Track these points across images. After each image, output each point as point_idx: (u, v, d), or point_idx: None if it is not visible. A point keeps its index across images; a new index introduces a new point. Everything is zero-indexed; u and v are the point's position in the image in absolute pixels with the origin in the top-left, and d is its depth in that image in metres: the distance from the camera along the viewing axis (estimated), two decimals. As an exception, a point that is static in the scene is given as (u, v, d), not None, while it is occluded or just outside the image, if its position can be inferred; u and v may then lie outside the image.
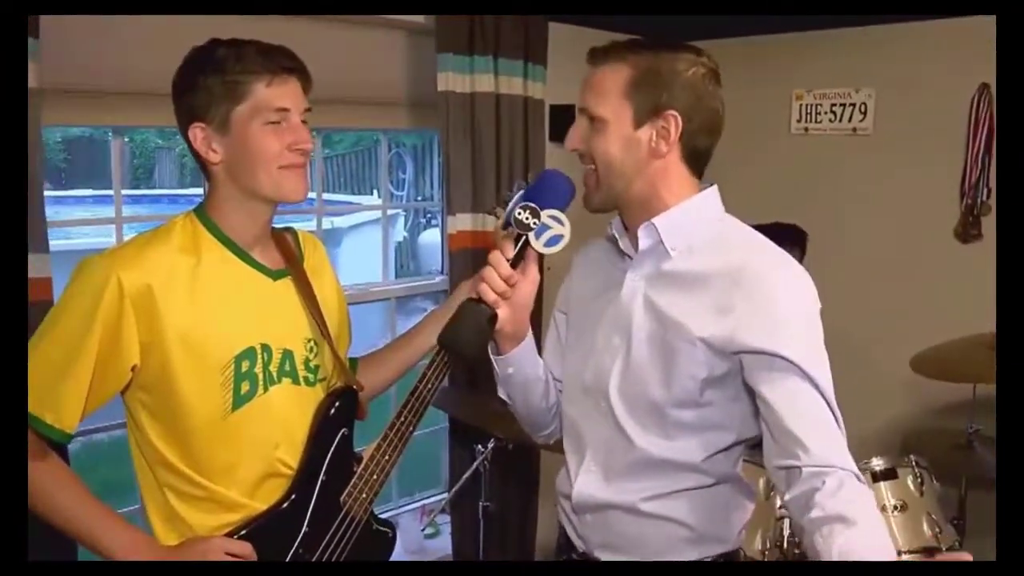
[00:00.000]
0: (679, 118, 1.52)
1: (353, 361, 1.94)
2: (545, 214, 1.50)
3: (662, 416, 1.55)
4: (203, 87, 1.55)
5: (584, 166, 1.60)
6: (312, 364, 1.71)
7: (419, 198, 8.53)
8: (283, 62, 1.57)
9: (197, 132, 1.57)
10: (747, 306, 1.46)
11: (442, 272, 3.55)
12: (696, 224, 1.57)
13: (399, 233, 8.82)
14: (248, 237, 1.65)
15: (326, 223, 3.42)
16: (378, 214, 4.47)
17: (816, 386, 1.42)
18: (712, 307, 1.49)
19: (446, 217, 3.18)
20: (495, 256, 1.54)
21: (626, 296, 1.62)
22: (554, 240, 1.51)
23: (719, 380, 1.52)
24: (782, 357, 1.43)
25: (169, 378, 1.54)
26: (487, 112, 3.12)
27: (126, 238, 2.58)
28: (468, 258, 3.13)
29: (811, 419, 1.42)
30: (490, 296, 1.54)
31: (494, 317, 1.55)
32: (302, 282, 1.73)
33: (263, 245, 1.69)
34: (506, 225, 1.54)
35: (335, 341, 1.79)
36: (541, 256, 1.56)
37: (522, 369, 1.69)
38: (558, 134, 3.38)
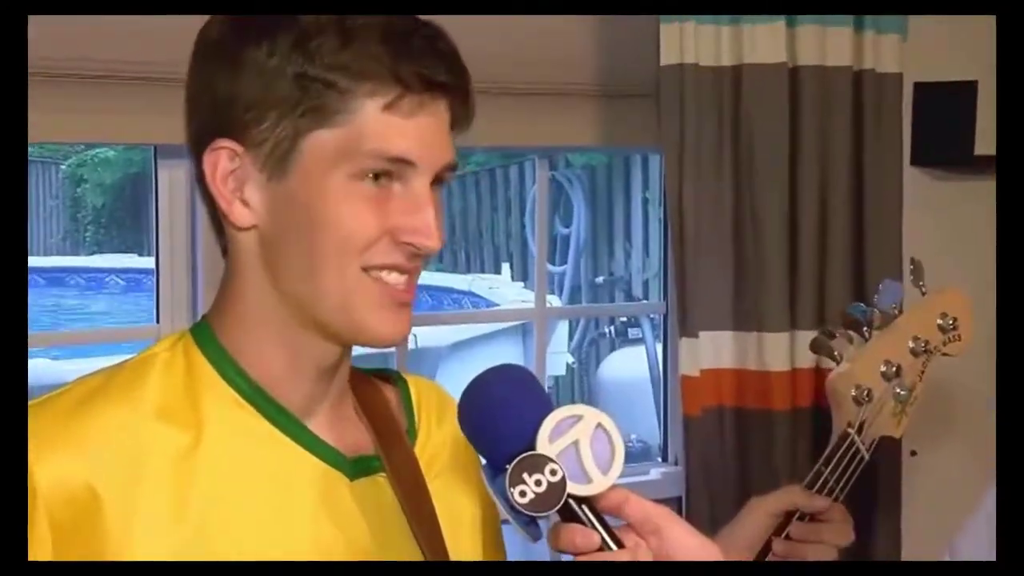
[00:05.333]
0: None
1: None
2: (543, 450, 0.69)
3: None
4: (255, 75, 0.77)
5: None
6: None
7: (599, 279, 4.34)
8: (431, 68, 0.77)
9: (221, 157, 0.79)
10: None
11: (663, 457, 1.92)
12: None
13: (559, 361, 4.34)
14: (300, 387, 0.84)
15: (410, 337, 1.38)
16: (514, 320, 2.60)
17: None
18: None
19: (675, 338, 1.70)
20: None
21: None
22: (602, 452, 0.70)
23: None
24: None
25: None
26: (770, 105, 1.59)
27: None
28: (728, 429, 1.68)
29: None
30: None
31: None
32: (410, 485, 0.89)
33: (331, 406, 0.87)
34: (522, 516, 0.73)
35: None
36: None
37: None
38: (932, 151, 1.81)
